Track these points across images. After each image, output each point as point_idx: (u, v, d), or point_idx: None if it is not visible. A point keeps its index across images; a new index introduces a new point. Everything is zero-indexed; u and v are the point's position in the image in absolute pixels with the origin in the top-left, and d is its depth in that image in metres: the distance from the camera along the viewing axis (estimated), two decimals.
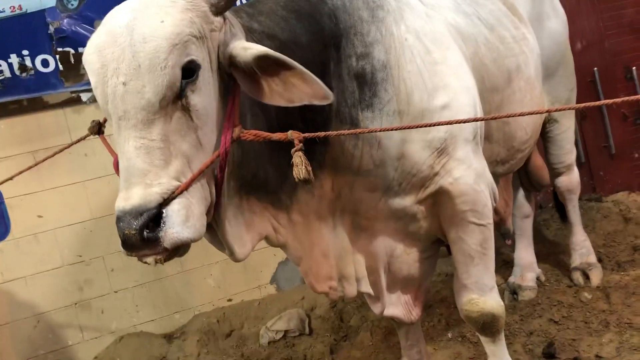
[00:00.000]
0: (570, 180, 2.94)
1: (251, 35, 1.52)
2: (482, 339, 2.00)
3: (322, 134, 1.48)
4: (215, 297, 3.37)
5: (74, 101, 3.13)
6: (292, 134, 1.41)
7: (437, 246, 2.03)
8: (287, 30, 1.60)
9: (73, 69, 3.02)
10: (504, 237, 2.77)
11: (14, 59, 2.88)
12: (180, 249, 1.31)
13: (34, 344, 3.08)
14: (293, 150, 1.40)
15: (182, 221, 1.27)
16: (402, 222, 1.87)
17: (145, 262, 1.33)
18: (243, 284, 3.43)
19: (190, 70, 1.31)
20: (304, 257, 1.79)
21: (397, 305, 2.03)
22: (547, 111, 2.65)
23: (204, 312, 3.31)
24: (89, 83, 3.01)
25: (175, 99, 1.30)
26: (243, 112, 1.49)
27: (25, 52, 2.89)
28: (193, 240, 1.31)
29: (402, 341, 2.31)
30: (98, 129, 1.79)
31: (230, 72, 1.43)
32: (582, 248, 3.02)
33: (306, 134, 1.43)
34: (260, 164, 1.58)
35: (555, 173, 2.94)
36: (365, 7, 1.72)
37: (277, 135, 1.42)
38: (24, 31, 2.88)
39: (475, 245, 1.86)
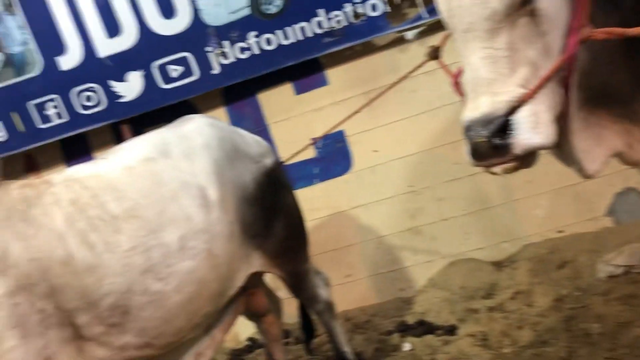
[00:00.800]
0: None
1: None
2: None
3: None
4: (545, 228, 3.28)
5: (399, 41, 3.31)
6: None
7: None
8: None
9: (398, 9, 3.17)
10: None
11: (348, 7, 3.16)
12: (529, 157, 1.30)
13: (377, 263, 3.49)
14: None
15: (531, 127, 1.25)
16: None
17: (494, 173, 1.36)
18: (574, 216, 3.24)
19: None
20: None
21: None
22: None
23: (534, 243, 3.25)
24: (411, 21, 3.21)
25: (522, 4, 1.25)
26: (593, 9, 1.34)
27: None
28: (544, 146, 1.29)
29: None
30: (435, 54, 1.85)
31: None
32: None
33: None
34: (612, 70, 1.44)
35: None
36: None
37: (635, 31, 1.26)
38: None
39: None
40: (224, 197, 2.14)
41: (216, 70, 3.30)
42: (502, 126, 1.24)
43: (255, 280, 2.41)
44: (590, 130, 1.49)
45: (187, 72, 3.32)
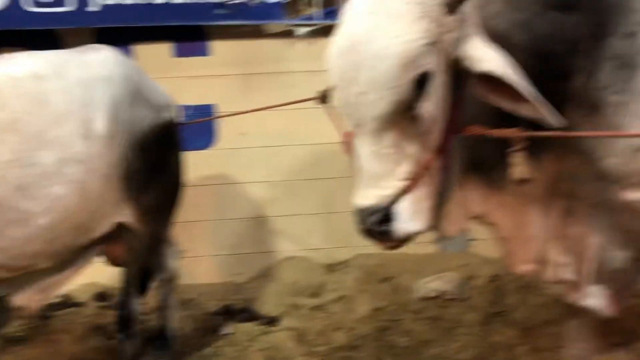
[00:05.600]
0: None
1: (488, 21, 1.48)
2: None
3: (546, 133, 1.43)
4: None
5: (289, 34, 3.34)
6: (514, 132, 1.41)
7: None
8: (534, 4, 1.52)
9: (294, 3, 3.21)
10: None
11: None
12: (408, 239, 1.47)
13: (218, 244, 3.50)
14: (513, 149, 1.41)
15: (409, 217, 1.42)
16: (624, 217, 1.75)
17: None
18: None
19: (422, 81, 1.35)
20: (510, 239, 1.78)
21: (597, 297, 1.94)
22: None
23: (366, 254, 3.43)
24: (305, 18, 3.25)
25: (407, 109, 1.37)
26: (468, 99, 1.49)
27: None
28: (419, 232, 1.47)
29: (568, 332, 2.23)
30: (324, 99, 1.92)
31: (460, 70, 1.43)
32: None
33: (529, 133, 1.40)
34: (478, 142, 1.58)
35: None
36: None
37: (498, 132, 1.44)
38: None
39: None
40: (112, 136, 2.11)
41: (95, 7, 3.08)
42: (385, 216, 1.40)
43: (119, 230, 2.33)
44: (456, 197, 1.65)
45: (60, 1, 3.06)
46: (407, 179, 1.42)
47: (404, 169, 1.42)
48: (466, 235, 3.53)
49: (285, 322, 3.01)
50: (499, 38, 1.46)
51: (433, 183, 1.49)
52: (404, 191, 1.41)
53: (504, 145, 1.45)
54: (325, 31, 3.15)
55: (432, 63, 1.36)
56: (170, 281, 2.66)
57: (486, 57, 1.37)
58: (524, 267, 1.81)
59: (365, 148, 1.42)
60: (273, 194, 3.47)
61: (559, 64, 1.55)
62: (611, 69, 1.55)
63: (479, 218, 1.76)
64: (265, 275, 3.47)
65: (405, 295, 3.21)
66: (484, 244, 3.47)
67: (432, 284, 3.18)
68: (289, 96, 3.28)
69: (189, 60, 3.36)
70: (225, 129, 3.40)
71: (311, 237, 3.51)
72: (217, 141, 3.42)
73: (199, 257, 3.46)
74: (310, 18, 3.24)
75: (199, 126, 3.35)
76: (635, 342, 2.55)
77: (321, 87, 2.53)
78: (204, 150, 3.40)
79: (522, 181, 1.40)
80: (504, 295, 3.12)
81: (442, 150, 1.47)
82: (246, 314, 3.12)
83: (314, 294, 3.25)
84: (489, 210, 1.73)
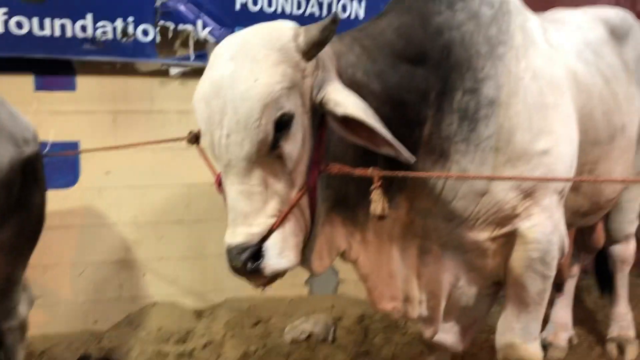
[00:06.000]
0: (626, 250, 2.90)
1: (346, 70, 1.59)
2: None
3: (401, 173, 1.55)
4: (250, 286, 3.45)
5: (162, 73, 3.30)
6: (372, 172, 1.50)
7: (498, 288, 2.04)
8: (387, 57, 1.66)
9: (169, 44, 3.18)
10: (556, 288, 2.77)
11: (118, 23, 3.05)
12: (278, 276, 1.51)
13: (78, 290, 3.26)
14: (372, 187, 1.49)
15: (278, 253, 1.46)
16: (471, 255, 1.90)
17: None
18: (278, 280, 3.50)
19: (283, 122, 1.43)
20: (371, 275, 1.86)
21: (449, 333, 2.06)
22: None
23: (237, 297, 3.41)
24: (180, 59, 3.24)
25: (270, 149, 1.43)
26: (330, 137, 1.57)
27: (130, 18, 3.07)
28: (288, 269, 1.51)
29: None
30: (195, 139, 1.92)
31: (321, 112, 1.52)
32: (623, 321, 2.97)
33: (386, 172, 1.51)
34: (343, 180, 1.66)
35: (612, 240, 2.90)
36: (485, 43, 1.74)
37: (358, 171, 1.53)
38: (134, 1, 3.06)
39: (533, 294, 1.87)
40: None
41: None
42: (254, 254, 1.44)
43: None
44: (324, 233, 1.70)
45: None
46: (275, 216, 1.46)
47: (272, 207, 1.46)
48: (335, 277, 3.62)
49: None
50: (355, 85, 1.57)
51: (300, 220, 1.54)
52: (273, 228, 1.45)
53: (366, 184, 1.53)
54: (198, 73, 3.15)
55: (292, 105, 1.43)
56: (19, 330, 2.43)
57: (344, 101, 1.46)
58: (386, 305, 1.90)
59: (233, 187, 1.45)
60: (140, 236, 3.33)
61: (411, 112, 1.68)
62: (457, 120, 1.71)
63: (344, 255, 1.82)
64: (129, 322, 3.28)
65: (276, 339, 3.19)
66: (352, 285, 3.57)
67: (302, 326, 3.19)
68: (159, 136, 3.23)
69: (52, 95, 3.18)
70: (89, 167, 3.23)
71: (179, 281, 3.40)
72: (80, 179, 3.23)
73: (56, 303, 3.21)
74: (186, 59, 3.23)
75: (61, 163, 3.18)
76: None
77: (192, 128, 2.52)
78: (66, 188, 3.21)
79: (381, 217, 1.48)
80: (371, 335, 3.22)
81: (308, 187, 1.52)
82: None
83: (181, 341, 3.13)
84: (353, 247, 1.80)
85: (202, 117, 1.47)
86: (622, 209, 2.80)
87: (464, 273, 1.94)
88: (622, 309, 2.99)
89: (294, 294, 3.52)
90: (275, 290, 3.42)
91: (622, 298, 3.00)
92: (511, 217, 1.80)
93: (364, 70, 1.61)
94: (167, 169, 3.32)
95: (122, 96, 3.26)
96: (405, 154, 1.46)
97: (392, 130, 1.48)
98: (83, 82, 3.21)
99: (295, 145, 1.46)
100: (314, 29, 1.43)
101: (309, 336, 3.16)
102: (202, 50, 3.18)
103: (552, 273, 1.88)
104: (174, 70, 3.28)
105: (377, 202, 1.47)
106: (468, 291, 1.97)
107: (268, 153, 1.43)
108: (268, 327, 3.29)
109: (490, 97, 1.71)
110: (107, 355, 2.99)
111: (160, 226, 3.34)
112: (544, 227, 1.80)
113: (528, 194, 1.77)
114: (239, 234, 1.45)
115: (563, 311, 3.06)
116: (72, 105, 3.20)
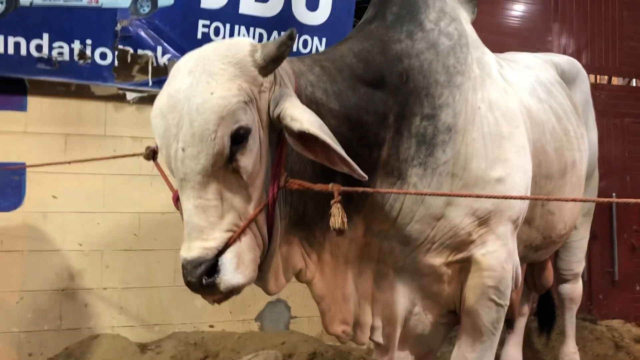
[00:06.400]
0: (574, 289, 2.97)
1: (305, 88, 1.60)
2: None
3: (360, 189, 1.55)
4: (199, 320, 3.36)
5: (118, 97, 3.25)
6: (332, 187, 1.48)
7: (454, 316, 2.02)
8: (347, 79, 1.67)
9: (126, 68, 3.14)
10: (507, 324, 2.78)
11: (76, 44, 3.01)
12: (234, 291, 1.46)
13: (9, 320, 3.07)
14: (332, 201, 1.47)
15: (234, 269, 1.42)
16: (427, 281, 1.89)
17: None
18: (228, 314, 3.41)
19: (239, 136, 1.41)
20: (325, 297, 1.82)
21: None
22: (586, 200, 2.79)
23: (184, 332, 3.28)
24: (137, 84, 3.20)
25: (227, 163, 1.42)
26: (290, 152, 1.57)
27: (88, 41, 3.02)
28: (244, 285, 1.46)
29: None
30: (152, 155, 1.89)
31: (279, 127, 1.51)
32: None
33: (346, 188, 1.49)
34: (301, 198, 1.65)
35: (561, 279, 2.97)
36: (443, 72, 1.79)
37: (319, 187, 1.51)
38: (93, 23, 3.02)
39: (487, 323, 1.87)
40: None
41: None
42: (209, 268, 1.40)
43: None
44: (281, 252, 1.67)
45: None
46: (231, 231, 1.43)
47: (228, 221, 1.43)
48: (287, 313, 3.54)
49: None
50: (314, 104, 1.58)
51: (257, 236, 1.50)
52: (229, 243, 1.42)
53: (324, 202, 1.52)
54: (155, 99, 3.11)
55: (249, 119, 1.42)
56: None
57: (300, 117, 1.45)
58: (338, 328, 1.85)
59: (189, 201, 1.42)
60: (84, 264, 3.19)
61: (369, 133, 1.69)
62: (415, 144, 1.74)
63: (300, 275, 1.78)
64: (67, 355, 3.10)
65: None
66: (305, 322, 3.50)
67: None
68: (109, 161, 3.16)
69: (2, 114, 3.08)
70: (35, 190, 3.11)
71: (124, 312, 3.25)
72: (24, 202, 3.10)
73: None
74: (144, 84, 3.19)
75: (5, 185, 3.05)
76: None
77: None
78: (9, 211, 3.07)
79: (340, 232, 1.45)
80: None
81: (266, 203, 1.50)
82: None
83: None
84: (309, 267, 1.76)
85: (159, 131, 1.44)
86: (571, 249, 2.88)
87: (420, 299, 1.93)
88: (570, 349, 3.03)
89: (244, 329, 3.42)
90: (224, 324, 3.35)
91: (570, 338, 3.04)
92: (467, 242, 1.81)
93: (323, 90, 1.62)
94: (116, 196, 3.23)
95: (74, 119, 3.19)
96: (358, 171, 1.46)
97: (351, 150, 1.48)
98: (35, 102, 3.13)
99: (251, 159, 1.44)
100: (271, 45, 1.44)
101: None
102: (161, 77, 3.16)
103: (506, 302, 1.89)
104: (130, 95, 3.24)
105: (337, 216, 1.45)
106: (424, 319, 1.95)
107: (224, 167, 1.41)
108: None
109: (448, 124, 1.75)
110: None
111: (106, 254, 3.22)
112: (499, 254, 1.83)
113: (483, 221, 1.80)
114: (194, 248, 1.41)
115: (513, 349, 3.07)
116: (21, 126, 3.10)
